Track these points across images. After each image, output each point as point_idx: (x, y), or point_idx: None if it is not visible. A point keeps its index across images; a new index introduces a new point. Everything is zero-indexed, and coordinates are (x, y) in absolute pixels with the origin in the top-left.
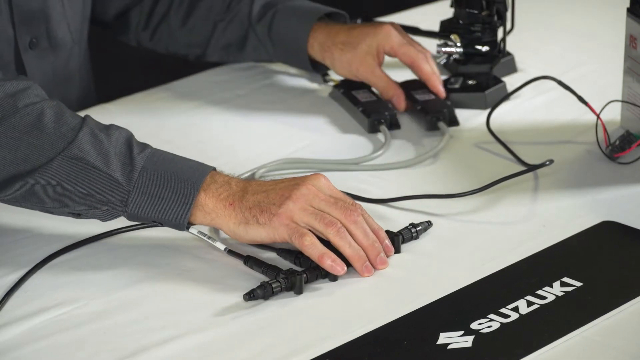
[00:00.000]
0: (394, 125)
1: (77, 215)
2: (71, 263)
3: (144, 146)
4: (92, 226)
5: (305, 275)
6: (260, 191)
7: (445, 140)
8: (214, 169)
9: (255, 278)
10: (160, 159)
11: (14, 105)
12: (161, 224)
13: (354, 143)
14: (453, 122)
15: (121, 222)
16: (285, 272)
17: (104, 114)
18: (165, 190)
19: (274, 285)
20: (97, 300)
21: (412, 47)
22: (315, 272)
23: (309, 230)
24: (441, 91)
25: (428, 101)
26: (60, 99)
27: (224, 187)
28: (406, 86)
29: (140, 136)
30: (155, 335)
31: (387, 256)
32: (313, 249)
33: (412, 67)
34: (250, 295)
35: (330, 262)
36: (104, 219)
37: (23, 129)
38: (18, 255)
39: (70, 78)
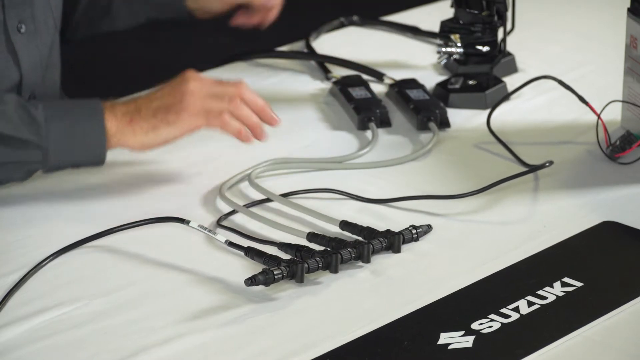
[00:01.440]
0: (384, 123)
1: None
2: (71, 263)
3: (35, 103)
4: (93, 226)
5: (306, 265)
6: (153, 100)
7: (433, 141)
8: (98, 99)
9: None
10: (56, 109)
11: None
12: (78, 167)
13: (348, 141)
14: (444, 123)
15: (121, 220)
16: (287, 261)
17: None
18: (76, 136)
19: (275, 272)
20: (98, 300)
21: None
22: (317, 263)
23: None
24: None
25: (421, 100)
26: (49, 85)
27: (116, 109)
28: (400, 85)
29: None
30: (155, 335)
31: (272, 124)
32: (233, 123)
33: None
34: (252, 281)
35: (245, 133)
36: (23, 179)
37: None
38: (19, 255)
39: (55, 64)
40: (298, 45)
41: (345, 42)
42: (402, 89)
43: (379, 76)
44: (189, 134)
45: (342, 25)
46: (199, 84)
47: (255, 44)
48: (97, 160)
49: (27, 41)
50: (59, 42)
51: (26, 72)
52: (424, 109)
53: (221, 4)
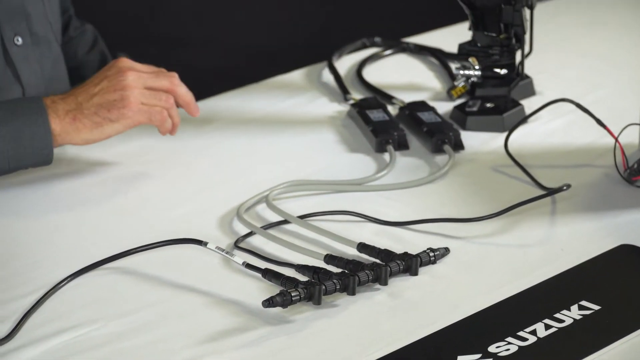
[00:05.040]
0: (402, 145)
1: None
2: (89, 284)
3: None
4: (110, 247)
5: (323, 287)
6: (93, 95)
7: (450, 164)
8: (39, 97)
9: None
10: (0, 113)
11: None
12: (26, 168)
13: (365, 163)
14: (458, 145)
15: (139, 242)
16: (304, 282)
17: (122, 134)
18: (23, 139)
19: (292, 294)
20: (115, 322)
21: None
22: (334, 285)
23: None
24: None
25: (434, 123)
26: None
27: (58, 106)
28: (412, 107)
29: (156, 159)
30: (173, 357)
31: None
32: (168, 122)
33: None
34: (269, 302)
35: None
36: None
37: None
38: (36, 276)
39: (61, 77)
40: (320, 66)
41: (367, 63)
42: (413, 111)
43: (388, 99)
44: (131, 127)
45: (364, 46)
46: (136, 75)
47: (275, 66)
48: (44, 160)
49: (26, 54)
50: (63, 56)
51: (28, 86)
52: (438, 132)
53: None
